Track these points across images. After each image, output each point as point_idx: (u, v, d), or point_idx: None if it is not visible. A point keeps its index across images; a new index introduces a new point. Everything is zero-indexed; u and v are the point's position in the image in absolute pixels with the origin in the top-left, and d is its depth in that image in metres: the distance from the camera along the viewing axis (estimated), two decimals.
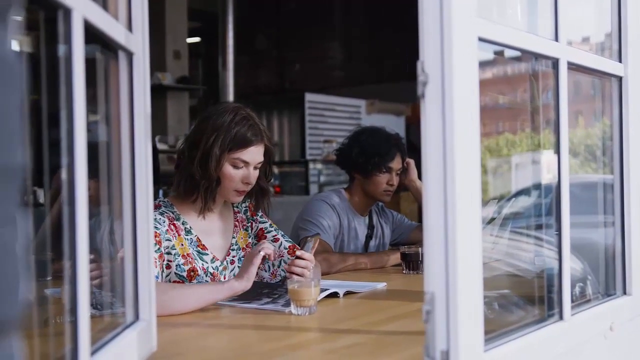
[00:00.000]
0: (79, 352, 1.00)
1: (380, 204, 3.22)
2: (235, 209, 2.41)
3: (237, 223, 2.39)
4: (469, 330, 1.20)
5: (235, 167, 2.20)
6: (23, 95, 0.60)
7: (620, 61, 1.83)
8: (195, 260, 2.20)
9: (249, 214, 2.43)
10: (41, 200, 1.74)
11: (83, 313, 1.01)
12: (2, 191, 0.56)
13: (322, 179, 7.46)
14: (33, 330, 1.06)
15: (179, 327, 1.81)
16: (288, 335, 1.73)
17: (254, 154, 2.22)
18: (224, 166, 2.19)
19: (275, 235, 2.41)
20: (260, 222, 2.43)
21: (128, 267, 1.36)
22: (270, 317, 1.88)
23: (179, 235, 2.20)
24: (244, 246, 2.37)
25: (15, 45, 0.60)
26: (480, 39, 1.26)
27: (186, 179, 2.21)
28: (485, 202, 1.88)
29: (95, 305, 1.30)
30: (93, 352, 1.08)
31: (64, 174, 1.00)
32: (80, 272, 1.01)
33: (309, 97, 8.60)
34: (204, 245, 2.25)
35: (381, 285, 2.38)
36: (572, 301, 1.57)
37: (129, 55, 1.34)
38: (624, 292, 1.84)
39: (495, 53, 1.52)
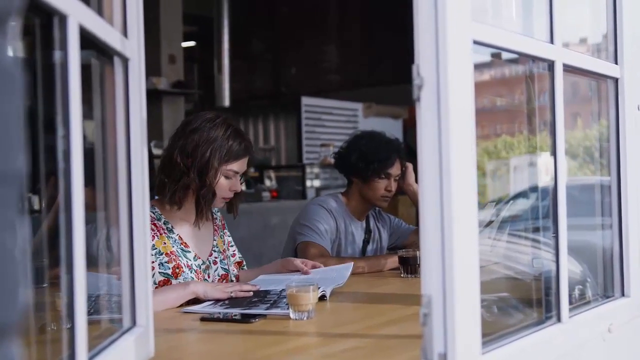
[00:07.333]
0: (77, 359, 1.00)
1: (377, 207, 3.22)
2: (212, 215, 2.49)
3: (216, 227, 2.50)
4: (467, 332, 1.19)
5: (227, 177, 2.31)
6: (22, 101, 0.60)
7: (616, 63, 1.83)
8: (180, 258, 2.28)
9: (221, 223, 2.54)
10: (36, 207, 1.73)
11: (80, 320, 1.01)
12: (2, 196, 0.57)
13: (320, 183, 7.44)
14: (30, 336, 1.06)
15: (177, 332, 1.80)
16: (286, 340, 1.73)
17: (243, 165, 2.36)
18: (220, 178, 2.28)
19: (234, 251, 2.58)
20: (227, 236, 2.57)
21: (125, 273, 1.36)
22: (269, 322, 1.87)
23: (160, 234, 2.27)
24: (222, 250, 2.48)
25: (13, 52, 0.60)
26: (475, 42, 1.26)
27: (181, 189, 2.27)
28: (483, 205, 1.88)
29: (91, 311, 1.30)
30: (90, 358, 1.08)
31: (60, 180, 0.99)
32: (77, 278, 1.00)
33: (305, 100, 8.59)
34: (186, 243, 2.33)
35: (348, 266, 2.46)
36: (571, 303, 1.57)
37: (125, 60, 1.34)
38: (622, 294, 1.84)
39: (493, 55, 1.52)
